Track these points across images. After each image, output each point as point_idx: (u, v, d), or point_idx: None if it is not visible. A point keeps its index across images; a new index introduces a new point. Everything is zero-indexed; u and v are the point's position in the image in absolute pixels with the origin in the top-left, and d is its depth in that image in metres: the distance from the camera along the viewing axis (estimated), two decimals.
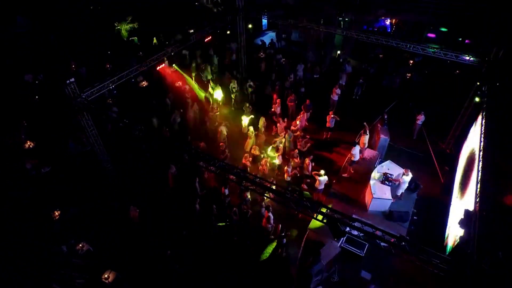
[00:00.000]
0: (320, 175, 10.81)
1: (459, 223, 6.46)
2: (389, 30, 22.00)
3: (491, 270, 4.56)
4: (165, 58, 13.64)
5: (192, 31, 22.23)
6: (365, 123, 12.57)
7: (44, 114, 14.77)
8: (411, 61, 19.07)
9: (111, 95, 15.79)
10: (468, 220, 6.33)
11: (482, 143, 8.85)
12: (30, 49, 17.72)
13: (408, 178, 10.46)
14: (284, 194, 6.76)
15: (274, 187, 10.95)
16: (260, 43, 22.41)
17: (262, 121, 14.23)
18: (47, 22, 18.07)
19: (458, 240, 6.31)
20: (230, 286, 9.55)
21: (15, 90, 16.10)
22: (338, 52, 20.21)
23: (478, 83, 11.16)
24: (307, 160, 11.64)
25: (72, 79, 9.22)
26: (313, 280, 8.76)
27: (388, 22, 21.59)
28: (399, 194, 10.92)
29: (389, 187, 10.58)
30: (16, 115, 14.50)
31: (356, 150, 11.64)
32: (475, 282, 4.61)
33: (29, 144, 13.39)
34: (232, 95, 16.58)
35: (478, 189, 7.07)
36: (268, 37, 23.14)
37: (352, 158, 11.67)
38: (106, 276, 9.35)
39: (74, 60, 18.06)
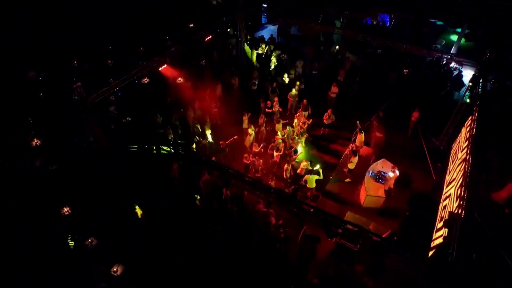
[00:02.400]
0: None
1: (443, 223, 6.96)
2: (388, 25, 22.12)
3: (465, 272, 5.07)
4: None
5: (192, 25, 22.45)
6: (357, 122, 12.99)
7: (49, 111, 15.07)
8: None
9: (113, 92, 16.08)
10: (451, 220, 6.83)
11: (469, 144, 9.28)
12: (31, 46, 17.88)
13: (392, 174, 10.93)
14: (280, 196, 7.22)
15: (273, 182, 11.66)
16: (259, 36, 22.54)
17: (262, 118, 14.63)
18: (48, 19, 18.18)
19: (442, 240, 6.83)
20: (230, 279, 10.13)
21: (19, 88, 16.35)
22: (337, 47, 20.37)
23: (470, 84, 11.52)
24: (303, 162, 12.08)
25: (79, 84, 9.57)
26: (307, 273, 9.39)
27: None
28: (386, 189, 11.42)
29: (383, 185, 11.09)
30: (22, 112, 14.83)
31: (355, 159, 11.95)
32: (452, 282, 5.14)
33: (36, 141, 13.77)
34: (233, 92, 16.93)
35: (463, 191, 7.53)
36: (268, 31, 23.23)
37: (350, 167, 12.00)
38: (115, 269, 9.95)
39: (76, 56, 18.28)
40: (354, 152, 11.90)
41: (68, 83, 16.20)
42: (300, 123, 14.18)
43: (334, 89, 15.88)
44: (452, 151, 12.07)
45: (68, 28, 18.67)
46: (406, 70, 18.49)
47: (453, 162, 11.23)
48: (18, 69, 16.82)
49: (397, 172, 11.39)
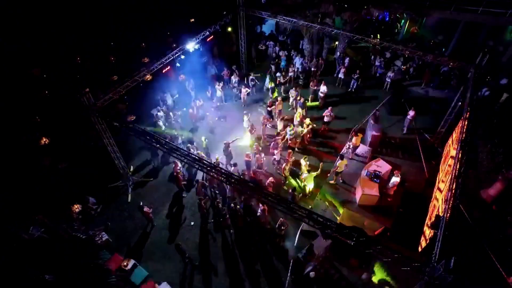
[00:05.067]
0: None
1: (430, 225, 7.55)
2: (387, 19, 22.26)
3: (444, 273, 5.66)
4: None
5: (192, 20, 22.55)
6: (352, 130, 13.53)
7: (55, 110, 15.43)
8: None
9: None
10: (437, 223, 7.41)
11: (459, 146, 9.73)
12: (33, 44, 18.07)
13: (397, 179, 11.40)
14: (276, 200, 7.77)
15: (272, 179, 12.17)
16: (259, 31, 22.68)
17: (262, 117, 15.07)
18: (49, 17, 18.32)
19: (428, 241, 7.44)
20: (233, 272, 10.82)
21: (23, 86, 16.60)
22: (336, 43, 20.57)
23: (463, 87, 11.92)
24: (302, 161, 12.61)
25: (87, 89, 10.01)
26: (305, 267, 10.10)
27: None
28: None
29: (377, 184, 11.62)
30: (29, 111, 15.19)
31: (342, 163, 12.28)
32: (432, 283, 5.75)
33: (44, 140, 14.24)
34: (234, 89, 17.32)
35: (451, 188, 8.06)
36: (268, 26, 23.34)
37: (337, 170, 12.42)
38: (125, 264, 10.63)
39: (78, 53, 18.54)
40: (341, 156, 12.40)
41: (72, 81, 16.62)
42: (305, 126, 14.56)
43: (323, 89, 16.25)
44: (444, 151, 12.58)
45: (70, 26, 18.83)
46: (404, 67, 18.86)
47: (444, 162, 11.76)
48: (22, 67, 17.06)
49: (399, 177, 11.75)
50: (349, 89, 17.93)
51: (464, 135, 9.75)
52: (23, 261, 10.19)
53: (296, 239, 11.25)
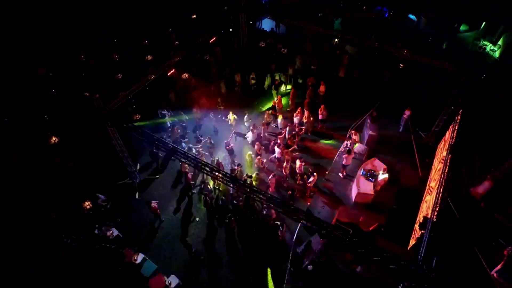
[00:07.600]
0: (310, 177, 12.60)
1: (418, 225, 8.21)
2: (386, 16, 22.46)
3: (426, 273, 6.32)
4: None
5: (194, 16, 22.75)
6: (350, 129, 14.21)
7: (63, 109, 15.91)
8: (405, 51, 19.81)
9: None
10: (424, 223, 8.07)
11: (449, 147, 10.31)
12: (37, 43, 18.38)
13: (385, 175, 12.05)
14: (275, 200, 8.42)
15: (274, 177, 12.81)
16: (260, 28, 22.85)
17: (266, 115, 15.60)
18: (52, 15, 18.58)
19: (416, 240, 8.11)
20: (236, 265, 11.57)
21: (30, 85, 17.00)
22: (336, 40, 20.84)
23: (457, 90, 12.39)
24: (298, 162, 13.19)
25: (97, 95, 10.53)
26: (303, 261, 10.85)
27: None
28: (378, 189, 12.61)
29: (372, 183, 12.26)
30: (37, 110, 15.67)
31: (349, 157, 13.01)
32: (417, 282, 6.43)
33: (54, 139, 14.80)
34: (235, 88, 17.76)
35: (439, 198, 8.70)
36: (268, 22, 23.46)
37: (343, 162, 13.12)
38: (134, 258, 11.36)
39: (83, 50, 18.89)
40: (348, 151, 13.00)
41: (77, 79, 17.03)
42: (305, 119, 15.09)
43: (322, 88, 16.69)
44: (437, 151, 13.15)
45: (72, 25, 19.09)
46: (402, 65, 19.16)
47: (437, 161, 12.35)
48: (26, 67, 17.41)
49: (387, 174, 12.41)
50: (348, 88, 18.28)
51: (454, 140, 10.32)
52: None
53: (295, 235, 11.96)
